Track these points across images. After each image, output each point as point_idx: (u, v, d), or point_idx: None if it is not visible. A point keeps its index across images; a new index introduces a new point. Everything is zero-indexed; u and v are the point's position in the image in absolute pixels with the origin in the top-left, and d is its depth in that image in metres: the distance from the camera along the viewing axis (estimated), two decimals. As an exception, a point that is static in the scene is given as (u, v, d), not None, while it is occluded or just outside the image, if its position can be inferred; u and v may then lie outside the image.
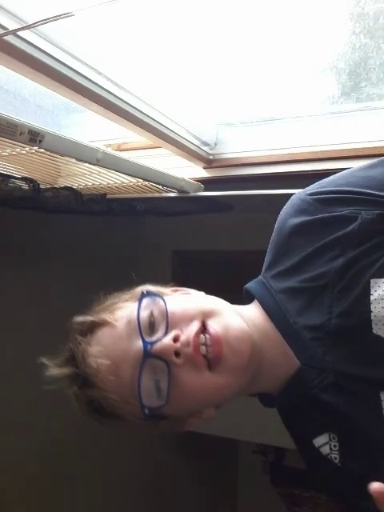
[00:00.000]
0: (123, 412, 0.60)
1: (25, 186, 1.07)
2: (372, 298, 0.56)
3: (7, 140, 0.77)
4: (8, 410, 1.39)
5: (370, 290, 0.56)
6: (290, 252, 0.65)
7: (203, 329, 0.57)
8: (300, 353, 0.60)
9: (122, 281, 0.66)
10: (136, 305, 0.60)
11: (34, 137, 0.77)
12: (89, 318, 0.63)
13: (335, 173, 0.68)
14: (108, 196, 1.28)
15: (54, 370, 0.62)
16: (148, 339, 0.57)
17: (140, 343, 0.57)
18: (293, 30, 1.03)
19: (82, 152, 0.91)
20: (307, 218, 0.64)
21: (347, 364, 0.57)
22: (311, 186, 0.67)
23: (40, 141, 0.78)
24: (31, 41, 0.68)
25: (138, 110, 0.95)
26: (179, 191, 1.29)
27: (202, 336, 0.57)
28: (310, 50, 1.11)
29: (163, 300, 0.61)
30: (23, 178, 1.05)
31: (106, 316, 0.62)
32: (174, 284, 0.69)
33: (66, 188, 1.15)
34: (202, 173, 1.36)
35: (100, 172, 1.08)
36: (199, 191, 1.32)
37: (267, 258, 0.69)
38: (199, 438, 2.19)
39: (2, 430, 1.37)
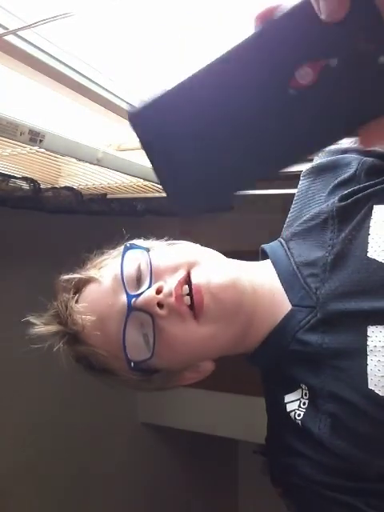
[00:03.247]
0: (113, 367, 0.60)
1: (25, 185, 1.08)
2: (372, 221, 0.55)
3: (7, 140, 0.77)
4: (8, 410, 1.40)
5: (370, 215, 0.55)
6: (298, 201, 0.68)
7: (188, 279, 0.56)
8: (293, 295, 0.59)
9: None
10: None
11: (35, 137, 0.77)
12: (75, 276, 0.63)
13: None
14: (108, 196, 1.28)
15: (41, 327, 0.61)
16: (132, 293, 0.57)
17: (124, 297, 0.56)
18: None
19: (82, 152, 0.91)
20: (312, 164, 0.68)
21: (337, 297, 0.55)
22: None
23: (40, 141, 0.79)
24: (31, 40, 0.68)
25: (138, 109, 0.95)
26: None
27: (185, 286, 0.56)
28: None
29: (147, 252, 0.60)
30: (23, 178, 1.05)
31: (93, 272, 0.61)
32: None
33: (66, 188, 1.16)
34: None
35: (100, 172, 1.09)
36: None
37: (287, 220, 0.70)
38: (199, 438, 2.20)
39: (2, 430, 1.37)
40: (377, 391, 0.49)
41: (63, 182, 1.18)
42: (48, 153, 0.88)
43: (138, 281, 0.58)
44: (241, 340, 0.60)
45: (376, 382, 0.50)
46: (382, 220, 0.54)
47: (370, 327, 0.51)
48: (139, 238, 0.67)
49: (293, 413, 0.57)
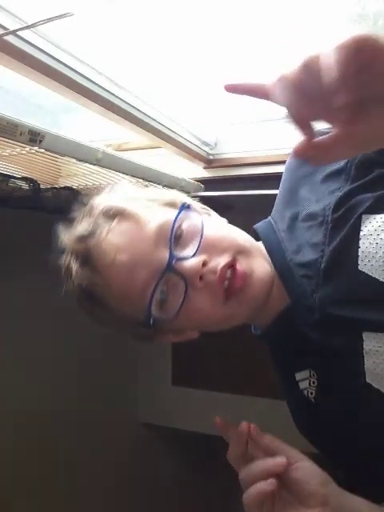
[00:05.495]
0: (116, 306, 0.58)
1: (25, 185, 1.07)
2: (361, 233, 0.55)
3: (7, 140, 0.77)
4: (8, 410, 1.40)
5: (360, 226, 0.56)
6: (296, 189, 0.66)
7: (232, 263, 0.56)
8: (291, 290, 0.60)
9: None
10: (173, 213, 0.58)
11: (34, 137, 0.77)
12: (120, 206, 0.58)
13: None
14: (108, 196, 1.28)
15: (68, 238, 0.60)
16: (175, 253, 0.55)
17: (166, 254, 0.55)
18: (293, 30, 1.03)
19: (82, 152, 0.91)
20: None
21: (332, 303, 0.57)
22: None
23: (40, 141, 0.79)
24: (31, 41, 0.68)
25: (138, 109, 0.95)
26: (179, 191, 1.29)
27: (229, 270, 0.56)
28: (310, 50, 1.11)
29: (202, 220, 0.58)
30: (23, 178, 1.05)
31: (139, 212, 0.58)
32: None
33: (66, 188, 1.15)
34: (202, 173, 1.36)
35: (100, 172, 1.08)
36: (199, 191, 1.32)
37: (277, 199, 0.70)
38: (199, 438, 2.20)
39: (1, 430, 1.37)
40: (374, 385, 0.55)
41: (63, 182, 1.18)
42: (48, 153, 0.88)
43: (178, 240, 0.57)
44: (249, 320, 0.64)
45: (373, 377, 0.55)
46: (370, 233, 0.55)
47: (365, 333, 0.55)
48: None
49: (305, 391, 0.61)
